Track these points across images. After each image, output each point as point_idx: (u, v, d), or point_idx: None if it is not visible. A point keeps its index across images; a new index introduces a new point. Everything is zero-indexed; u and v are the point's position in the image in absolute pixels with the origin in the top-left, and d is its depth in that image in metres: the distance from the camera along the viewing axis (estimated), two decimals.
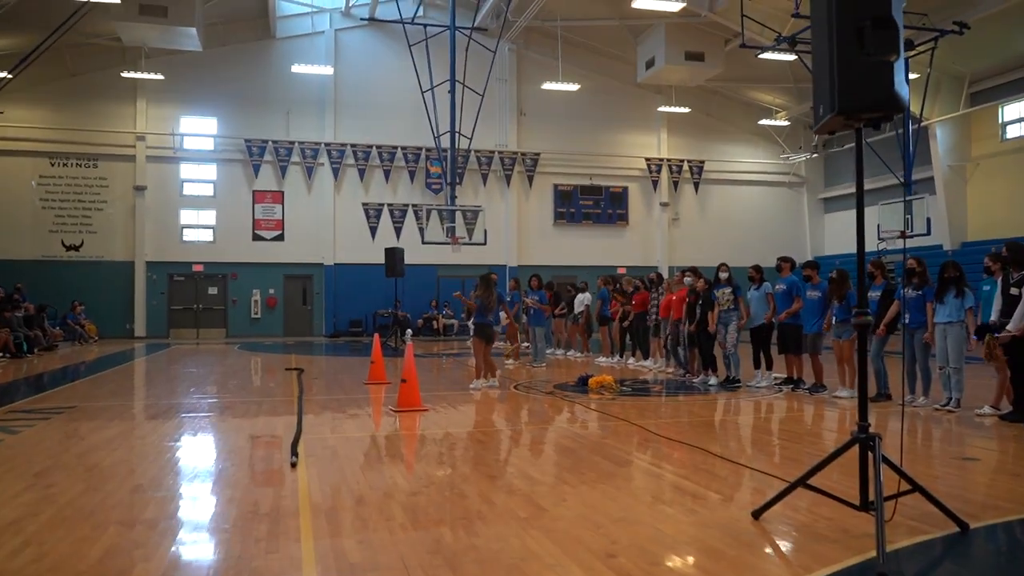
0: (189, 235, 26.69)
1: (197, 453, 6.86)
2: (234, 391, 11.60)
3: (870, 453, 4.13)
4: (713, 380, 11.83)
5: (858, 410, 4.25)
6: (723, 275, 11.69)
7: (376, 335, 13.00)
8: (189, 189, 26.66)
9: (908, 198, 23.50)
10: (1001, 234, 24.05)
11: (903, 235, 23.21)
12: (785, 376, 11.40)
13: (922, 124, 24.48)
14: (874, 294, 9.75)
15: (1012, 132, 25.05)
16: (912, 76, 23.90)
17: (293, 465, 6.17)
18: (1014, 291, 7.85)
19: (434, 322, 28.05)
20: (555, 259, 29.16)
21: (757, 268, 11.57)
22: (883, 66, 4.08)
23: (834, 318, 10.07)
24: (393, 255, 19.72)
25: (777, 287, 11.14)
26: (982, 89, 25.13)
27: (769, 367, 11.45)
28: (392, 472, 6.00)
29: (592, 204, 30.27)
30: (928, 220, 23.30)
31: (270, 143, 26.85)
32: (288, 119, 27.09)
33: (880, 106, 4.11)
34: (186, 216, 26.64)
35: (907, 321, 9.24)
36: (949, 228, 25.77)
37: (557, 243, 29.72)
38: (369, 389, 11.73)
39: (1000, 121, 25.31)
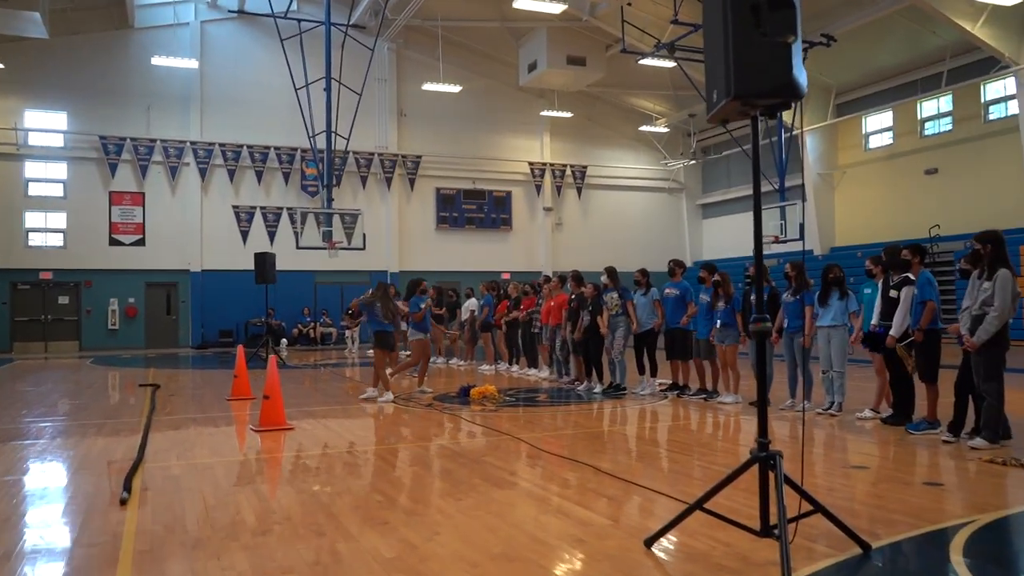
0: (36, 239, 24.60)
1: (6, 492, 5.86)
2: (74, 412, 10.41)
3: (771, 473, 3.76)
4: (598, 388, 11.56)
5: (758, 425, 3.88)
6: (604, 279, 11.45)
7: (240, 346, 12.01)
8: (35, 189, 24.56)
9: (782, 204, 24.24)
10: (866, 239, 25.24)
11: (777, 240, 23.92)
12: (670, 382, 11.28)
13: (793, 132, 25.35)
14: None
15: (874, 142, 26.33)
16: None
17: (123, 502, 5.32)
18: (893, 294, 7.86)
19: (310, 331, 26.93)
20: (438, 264, 28.58)
21: (644, 272, 11.38)
22: (781, 48, 3.74)
23: (718, 321, 9.95)
24: (263, 260, 18.62)
25: (667, 291, 10.99)
26: (847, 100, 26.32)
27: (654, 373, 11.27)
28: (241, 506, 5.25)
29: (475, 208, 29.90)
30: (801, 226, 24.09)
31: (128, 140, 25.06)
32: (149, 115, 25.37)
33: (778, 92, 3.76)
34: (32, 219, 24.53)
35: (786, 326, 9.20)
36: (819, 233, 26.81)
37: (440, 248, 29.17)
38: (231, 406, 10.86)
39: (863, 132, 26.57)
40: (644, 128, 31.42)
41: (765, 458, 3.78)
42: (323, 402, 11.29)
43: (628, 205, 32.54)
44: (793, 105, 4.16)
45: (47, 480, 6.26)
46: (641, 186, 32.81)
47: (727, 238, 31.64)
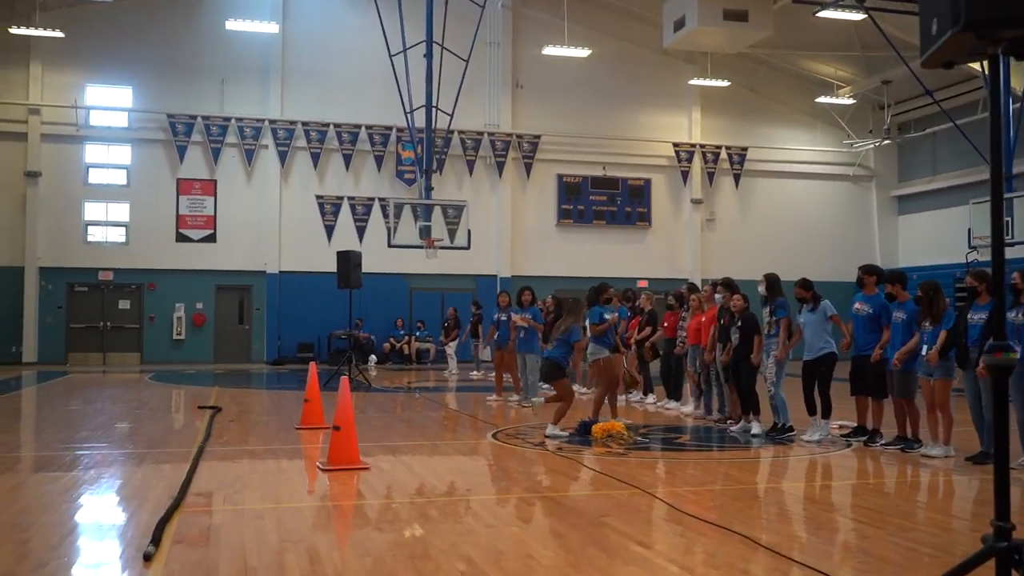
0: (95, 234, 25.79)
1: (13, 539, 5.84)
2: (118, 439, 10.65)
3: (1016, 573, 3.14)
4: (756, 428, 10.87)
5: (995, 502, 3.25)
6: (761, 290, 10.79)
7: (312, 364, 12.03)
8: (96, 176, 25.78)
9: (1008, 195, 22.66)
10: None
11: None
12: (855, 425, 10.48)
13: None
14: (978, 316, 8.78)
15: None
16: None
17: (147, 557, 5.17)
18: None
19: (404, 346, 27.15)
20: (558, 269, 28.26)
21: (805, 285, 10.62)
22: None
23: (925, 348, 9.11)
24: (347, 260, 18.75)
25: (857, 307, 10.22)
26: None
27: (827, 414, 10.49)
28: (288, 569, 4.99)
29: (606, 200, 29.47)
30: None
31: (199, 120, 25.98)
32: (223, 90, 26.22)
33: None
34: (91, 210, 25.74)
35: (1020, 354, 8.28)
36: None
37: (561, 249, 28.89)
38: (300, 436, 10.86)
39: None
40: (823, 100, 30.17)
41: (1007, 551, 3.15)
42: (409, 435, 11.14)
43: (801, 197, 31.40)
44: None
45: (63, 526, 6.22)
46: (818, 173, 31.60)
47: (930, 240, 29.91)
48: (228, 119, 26.26)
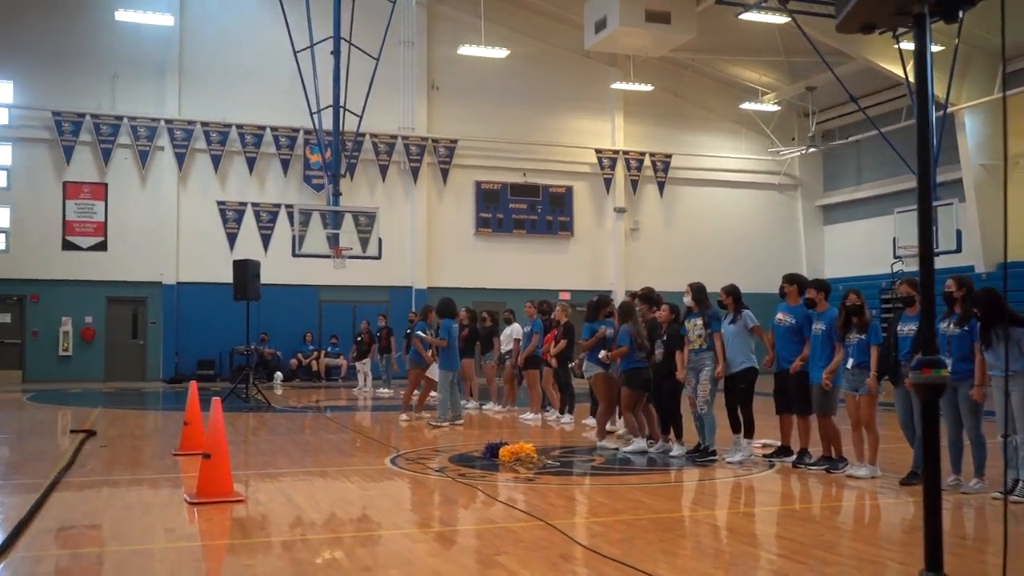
0: None
1: None
2: None
3: None
4: (677, 450, 10.45)
5: (924, 549, 2.77)
6: (688, 300, 10.38)
7: (192, 383, 11.27)
8: None
9: (932, 204, 22.85)
10: None
11: None
12: (779, 444, 10.15)
13: (947, 111, 23.94)
14: (908, 327, 8.49)
15: None
16: (936, 48, 23.41)
17: None
18: None
19: (313, 362, 26.35)
20: (476, 280, 27.81)
21: (731, 292, 10.30)
22: None
23: (850, 360, 8.80)
24: (244, 270, 17.98)
25: (779, 318, 9.88)
26: (1022, 68, 24.76)
27: (750, 433, 10.13)
28: None
29: (526, 208, 29.19)
30: (958, 233, 22.73)
31: (88, 118, 24.89)
32: (114, 86, 25.20)
33: None
34: None
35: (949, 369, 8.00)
36: (983, 244, 25.25)
37: (479, 259, 28.47)
38: (178, 463, 10.09)
39: None
40: (747, 106, 30.36)
41: None
42: (300, 460, 10.48)
43: (727, 206, 31.50)
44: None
45: None
46: (744, 181, 31.73)
47: (856, 249, 30.21)
48: (120, 118, 25.21)
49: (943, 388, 2.93)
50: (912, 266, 23.32)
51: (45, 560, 5.77)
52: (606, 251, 30.03)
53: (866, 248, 29.28)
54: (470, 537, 6.54)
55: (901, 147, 24.51)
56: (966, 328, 7.98)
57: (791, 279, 10.14)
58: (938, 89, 23.56)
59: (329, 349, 26.65)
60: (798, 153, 31.42)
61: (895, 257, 24.19)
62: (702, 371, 10.10)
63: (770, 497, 8.43)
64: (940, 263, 23.08)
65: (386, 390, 21.29)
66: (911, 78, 23.90)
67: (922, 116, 3.03)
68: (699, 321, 10.17)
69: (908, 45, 21.33)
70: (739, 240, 30.93)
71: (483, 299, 25.34)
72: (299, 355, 26.40)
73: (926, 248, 3.09)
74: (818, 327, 9.34)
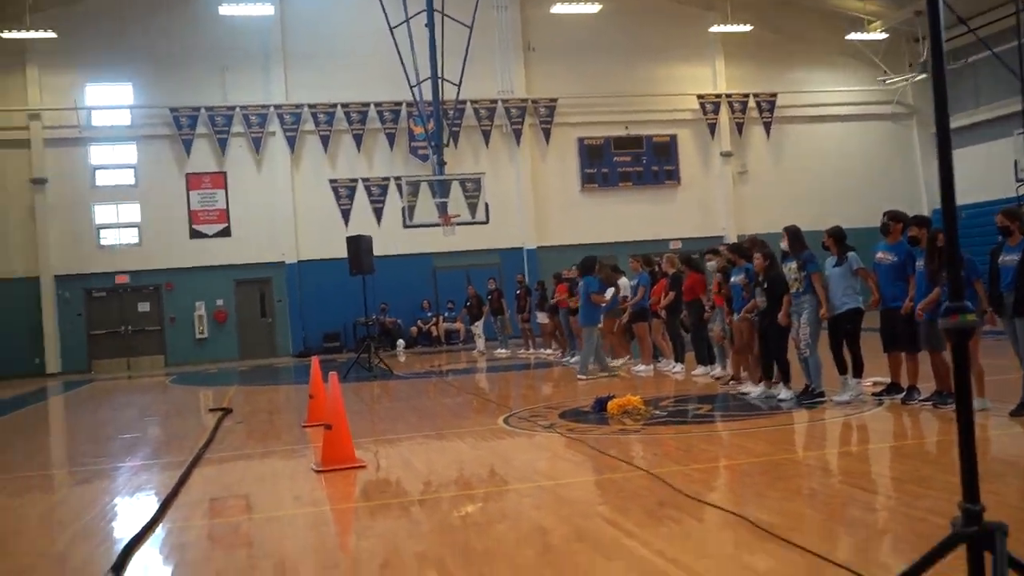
0: (108, 237, 26.03)
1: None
2: (119, 450, 10.64)
3: (988, 554, 2.86)
4: (784, 393, 10.52)
5: (962, 481, 2.96)
6: (784, 244, 10.41)
7: (314, 358, 11.91)
8: (103, 178, 25.97)
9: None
10: None
11: None
12: (889, 382, 10.11)
13: None
14: (1009, 257, 8.39)
15: None
16: None
17: None
18: None
19: (432, 328, 27.06)
20: (585, 235, 27.82)
21: (836, 233, 10.24)
22: None
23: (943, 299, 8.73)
24: (357, 245, 18.64)
25: (880, 257, 9.84)
26: None
27: (859, 372, 10.14)
28: None
29: (631, 161, 29.11)
30: None
31: (203, 111, 26.02)
32: (224, 79, 26.23)
33: None
34: (102, 213, 25.96)
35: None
36: None
37: (587, 215, 28.58)
38: (308, 434, 10.71)
39: None
40: (853, 36, 29.37)
41: (976, 536, 2.87)
42: (417, 425, 11.01)
43: (838, 141, 30.70)
44: None
45: (24, 554, 6.13)
46: (855, 114, 30.86)
47: (979, 175, 28.96)
48: (232, 108, 26.24)
49: (972, 332, 3.07)
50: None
51: (189, 530, 6.37)
52: (715, 197, 29.72)
53: (989, 173, 28.10)
54: (573, 490, 6.86)
55: (1018, 66, 23.41)
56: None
57: (895, 216, 10.02)
58: None
59: (446, 314, 27.29)
60: (911, 80, 30.29)
61: (1017, 180, 23.22)
62: (802, 314, 10.15)
63: (874, 435, 8.51)
64: None
65: (503, 351, 21.74)
66: None
67: (938, 65, 3.13)
68: (793, 265, 10.21)
69: None
70: (853, 175, 30.09)
71: (595, 255, 25.41)
72: (419, 322, 27.14)
73: (948, 200, 3.18)
74: (920, 264, 9.26)
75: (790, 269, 10.28)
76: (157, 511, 6.75)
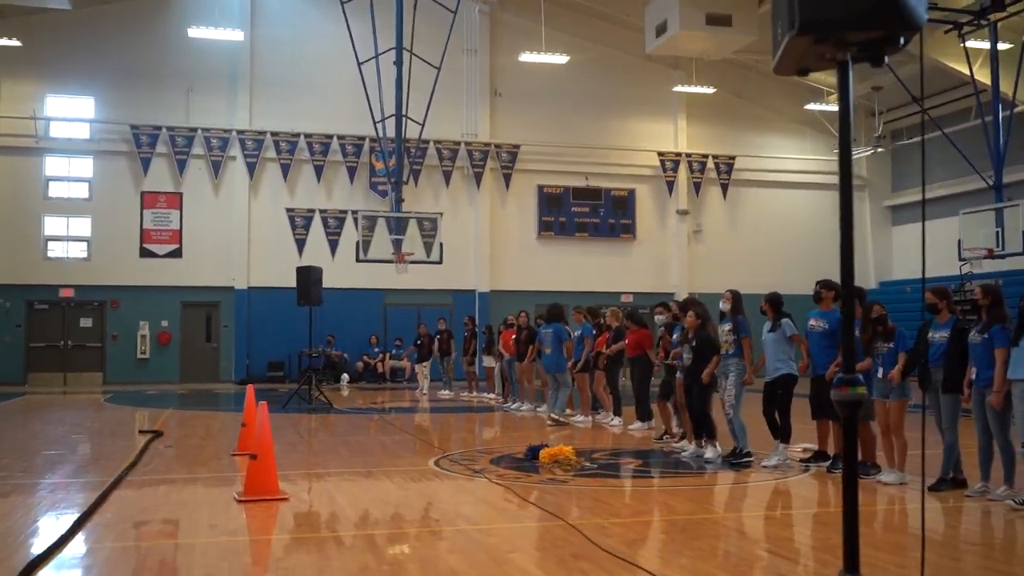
0: (55, 249, 25.70)
1: None
2: (40, 466, 10.45)
3: None
4: (710, 452, 10.63)
5: (844, 554, 3.04)
6: (724, 306, 10.57)
7: (249, 387, 11.82)
8: (56, 190, 25.72)
9: (998, 205, 22.61)
10: None
11: (991, 254, 22.33)
12: (816, 449, 10.26)
13: (1015, 110, 23.54)
14: (939, 335, 8.59)
15: None
16: (1002, 46, 23.04)
17: None
18: None
19: (378, 364, 26.94)
20: (539, 283, 28.06)
21: (771, 299, 10.42)
22: None
23: (880, 370, 8.90)
24: (307, 276, 18.61)
25: (812, 324, 10.01)
26: None
27: (786, 438, 10.28)
28: None
29: (589, 212, 29.36)
30: None
31: (164, 130, 25.88)
32: (188, 100, 26.14)
33: (870, 18, 2.97)
34: (52, 225, 25.65)
35: (974, 376, 8.11)
36: None
37: (542, 262, 28.72)
38: (237, 462, 10.59)
39: None
40: (812, 106, 30.00)
41: None
42: (348, 460, 10.93)
43: (792, 207, 31.20)
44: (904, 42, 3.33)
45: None
46: (809, 182, 31.33)
47: (927, 251, 29.65)
48: (194, 130, 26.14)
49: (861, 405, 3.16)
50: (978, 268, 23.03)
51: (98, 551, 6.29)
52: (669, 253, 30.05)
53: (935, 249, 28.74)
54: (492, 535, 6.87)
55: (968, 147, 24.16)
56: (987, 336, 8.03)
57: (828, 285, 10.23)
58: (1006, 86, 23.24)
59: (393, 351, 27.20)
60: (865, 153, 30.97)
61: (960, 259, 23.80)
62: (729, 375, 10.32)
63: (796, 501, 8.62)
64: (1007, 265, 22.84)
65: (447, 392, 21.69)
66: (978, 76, 23.61)
67: (845, 152, 3.27)
68: (727, 327, 10.41)
69: (974, 44, 20.98)
70: (804, 242, 30.52)
71: (546, 302, 25.52)
72: (365, 357, 27.01)
73: (847, 274, 3.30)
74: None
75: (724, 331, 10.46)
76: (68, 530, 6.65)
